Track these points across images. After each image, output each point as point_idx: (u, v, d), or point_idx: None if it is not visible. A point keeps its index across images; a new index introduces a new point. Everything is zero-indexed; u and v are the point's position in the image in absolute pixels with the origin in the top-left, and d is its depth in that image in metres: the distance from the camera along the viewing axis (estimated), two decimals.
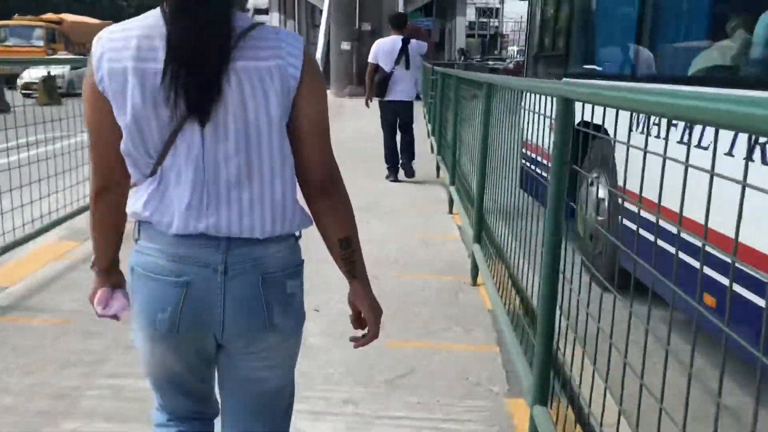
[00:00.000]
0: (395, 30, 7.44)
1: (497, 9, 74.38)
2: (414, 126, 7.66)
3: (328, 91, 22.12)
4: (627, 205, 2.28)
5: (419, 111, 9.34)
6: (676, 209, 1.30)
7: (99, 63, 1.25)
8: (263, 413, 1.48)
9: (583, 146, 2.36)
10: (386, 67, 7.27)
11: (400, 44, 7.26)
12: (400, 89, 7.35)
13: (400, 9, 31.15)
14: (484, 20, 78.13)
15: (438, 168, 7.84)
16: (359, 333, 1.52)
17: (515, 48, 55.99)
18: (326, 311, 3.49)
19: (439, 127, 7.92)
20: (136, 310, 1.37)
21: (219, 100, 1.23)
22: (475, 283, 3.97)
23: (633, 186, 1.57)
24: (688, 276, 1.55)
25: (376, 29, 21.80)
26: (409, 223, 5.56)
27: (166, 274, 1.31)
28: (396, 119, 7.46)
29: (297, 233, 1.42)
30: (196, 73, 1.20)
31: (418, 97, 8.05)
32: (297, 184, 1.37)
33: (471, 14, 66.76)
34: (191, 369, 1.43)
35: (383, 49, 7.33)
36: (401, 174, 7.54)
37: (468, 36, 40.72)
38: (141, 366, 1.48)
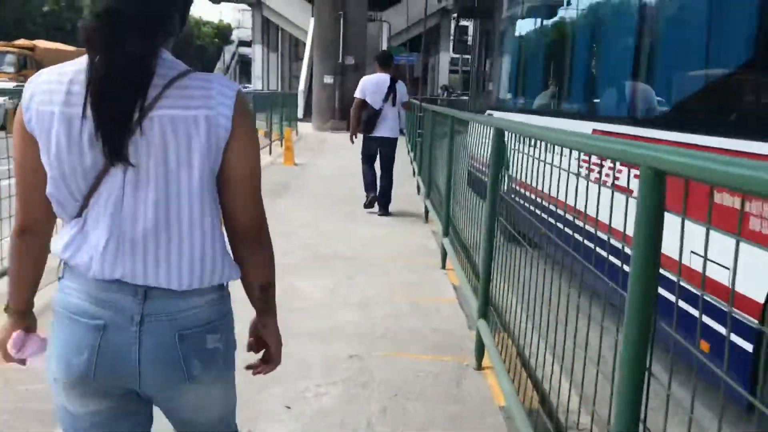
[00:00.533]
0: (382, 68, 7.55)
1: None
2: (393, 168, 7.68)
3: (309, 125, 21.84)
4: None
5: (401, 146, 9.24)
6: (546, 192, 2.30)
7: (29, 104, 1.26)
8: None
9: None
10: (375, 103, 7.33)
11: (388, 82, 7.39)
12: (387, 126, 7.43)
13: (384, 44, 31.06)
14: (467, 56, 79.06)
15: (426, 211, 7.24)
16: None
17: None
18: (301, 408, 2.82)
19: (428, 169, 7.32)
20: (53, 354, 1.35)
21: (139, 146, 1.22)
22: (479, 366, 3.31)
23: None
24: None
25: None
26: (398, 281, 4.91)
27: (85, 316, 1.30)
28: (377, 155, 7.55)
29: (224, 285, 1.40)
30: (114, 118, 1.20)
31: (401, 132, 8.33)
32: (223, 234, 1.37)
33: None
34: (114, 410, 1.38)
35: (371, 85, 7.40)
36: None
37: (451, 71, 40.63)
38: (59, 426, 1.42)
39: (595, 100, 4.95)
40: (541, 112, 5.77)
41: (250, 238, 1.38)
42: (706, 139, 3.01)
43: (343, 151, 12.73)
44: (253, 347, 1.54)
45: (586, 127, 4.41)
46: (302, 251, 5.65)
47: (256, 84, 37.95)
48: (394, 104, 7.39)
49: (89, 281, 1.30)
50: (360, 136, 7.57)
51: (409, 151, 14.31)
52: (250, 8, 38.98)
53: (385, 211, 7.46)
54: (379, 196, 7.46)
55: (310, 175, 10.80)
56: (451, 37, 14.15)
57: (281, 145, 13.49)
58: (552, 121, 4.92)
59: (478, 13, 8.83)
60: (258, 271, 1.43)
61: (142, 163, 1.23)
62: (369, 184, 7.53)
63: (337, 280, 4.86)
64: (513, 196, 3.09)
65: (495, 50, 7.66)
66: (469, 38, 10.35)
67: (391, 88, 7.36)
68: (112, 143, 1.20)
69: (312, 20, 22.69)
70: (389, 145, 7.48)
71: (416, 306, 4.32)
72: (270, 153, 13.49)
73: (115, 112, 1.20)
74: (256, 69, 39.09)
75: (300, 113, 25.18)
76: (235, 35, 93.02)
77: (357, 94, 7.41)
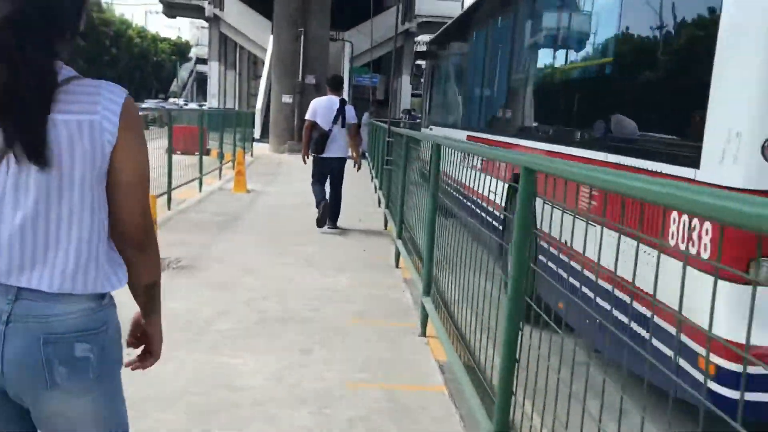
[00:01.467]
0: (332, 91, 7.85)
1: None
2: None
3: (266, 146, 20.57)
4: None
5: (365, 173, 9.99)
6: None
7: None
8: None
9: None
10: (325, 125, 7.55)
11: (337, 104, 7.65)
12: (337, 147, 7.67)
13: (346, 64, 30.16)
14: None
15: (397, 255, 6.13)
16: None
17: None
18: None
19: (400, 205, 6.23)
20: None
21: (32, 148, 1.25)
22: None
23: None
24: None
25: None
26: (366, 356, 3.80)
27: None
28: (328, 175, 7.78)
29: (106, 295, 1.39)
30: (28, 122, 1.24)
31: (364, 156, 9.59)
32: (109, 242, 1.38)
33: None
34: None
35: (321, 108, 7.64)
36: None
37: (413, 95, 39.99)
38: None
39: (468, 117, 8.45)
40: (447, 125, 9.39)
41: (137, 242, 1.40)
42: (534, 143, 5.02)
43: (300, 175, 11.67)
44: (132, 343, 1.55)
45: (463, 134, 7.77)
46: (244, 311, 4.48)
47: (212, 102, 36.48)
48: (343, 126, 7.67)
49: None
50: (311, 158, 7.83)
51: (373, 178, 13.24)
52: (207, 24, 37.66)
53: (333, 225, 7.71)
54: (330, 212, 7.67)
55: (263, 204, 9.62)
56: (411, 72, 19.56)
57: (234, 168, 12.29)
58: (451, 131, 8.59)
59: (428, 56, 12.73)
60: (143, 273, 1.45)
61: (24, 164, 1.26)
62: (319, 194, 7.77)
63: (288, 356, 3.71)
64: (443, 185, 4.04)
65: (429, 83, 12.20)
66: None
67: (341, 110, 7.62)
68: (30, 146, 1.24)
69: (271, 37, 21.53)
70: (339, 164, 7.78)
71: (393, 400, 3.20)
72: (219, 177, 12.26)
73: (27, 117, 1.24)
74: (212, 86, 37.59)
75: (257, 133, 23.97)
76: (194, 52, 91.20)
77: (308, 117, 7.68)
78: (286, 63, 19.92)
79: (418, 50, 14.89)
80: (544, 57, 5.43)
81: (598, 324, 1.75)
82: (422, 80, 14.94)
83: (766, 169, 2.53)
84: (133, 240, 1.39)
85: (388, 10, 29.90)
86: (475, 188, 3.27)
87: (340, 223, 7.88)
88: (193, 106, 51.51)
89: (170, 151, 8.34)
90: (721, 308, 1.51)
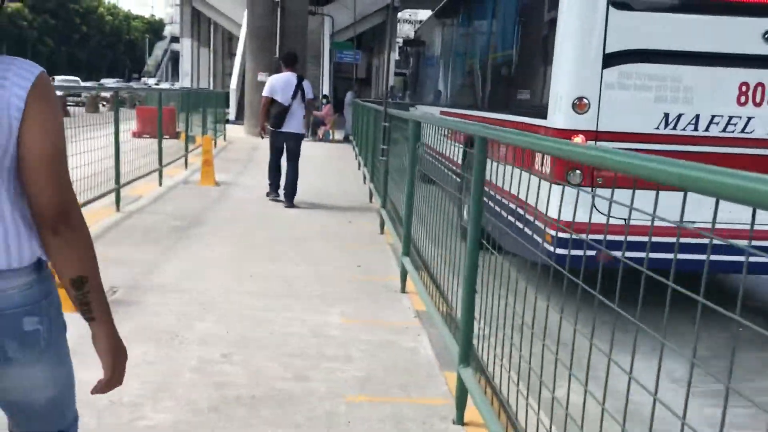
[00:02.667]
0: (288, 67, 7.94)
1: None
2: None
3: (241, 128, 18.80)
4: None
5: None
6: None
7: None
8: (36, 420, 1.46)
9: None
10: (284, 101, 7.71)
11: (295, 80, 7.80)
12: (294, 122, 7.81)
13: (326, 40, 28.42)
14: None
15: (404, 276, 4.71)
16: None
17: None
18: None
19: (407, 211, 4.78)
20: None
21: None
22: None
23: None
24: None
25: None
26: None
27: None
28: (284, 148, 7.90)
29: (42, 266, 1.36)
30: None
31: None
32: (29, 216, 1.33)
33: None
34: None
35: (279, 84, 7.78)
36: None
37: (396, 74, 38.33)
38: None
39: (441, 97, 10.23)
40: (427, 104, 11.33)
41: (56, 224, 1.30)
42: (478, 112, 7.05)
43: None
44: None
45: (436, 110, 9.74)
46: (193, 385, 3.01)
47: (184, 81, 34.50)
48: (303, 101, 7.81)
49: None
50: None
51: (360, 166, 11.80)
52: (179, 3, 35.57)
53: (290, 203, 7.75)
54: (286, 188, 7.82)
55: (233, 201, 8.12)
56: (396, 58, 19.38)
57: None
58: (431, 108, 10.43)
59: (414, 43, 14.61)
60: (63, 264, 1.34)
61: None
62: (273, 177, 8.07)
63: None
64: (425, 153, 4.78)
65: (415, 65, 14.37)
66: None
67: (299, 86, 7.75)
68: None
69: (245, 11, 19.74)
70: (295, 139, 7.88)
71: None
72: (186, 167, 10.70)
73: None
74: (185, 65, 35.49)
75: (231, 115, 22.28)
76: (168, 31, 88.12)
77: (265, 93, 7.85)
78: (261, 38, 18.24)
79: (405, 39, 16.17)
80: (471, 48, 8.20)
81: (505, 231, 2.76)
82: (409, 62, 15.71)
83: (575, 117, 4.49)
84: (45, 221, 1.30)
85: None
86: (444, 152, 4.01)
87: (323, 221, 6.64)
88: (165, 85, 49.25)
89: (117, 139, 6.79)
90: (553, 201, 2.11)
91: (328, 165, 12.71)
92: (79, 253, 1.33)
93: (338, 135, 19.60)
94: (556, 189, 2.62)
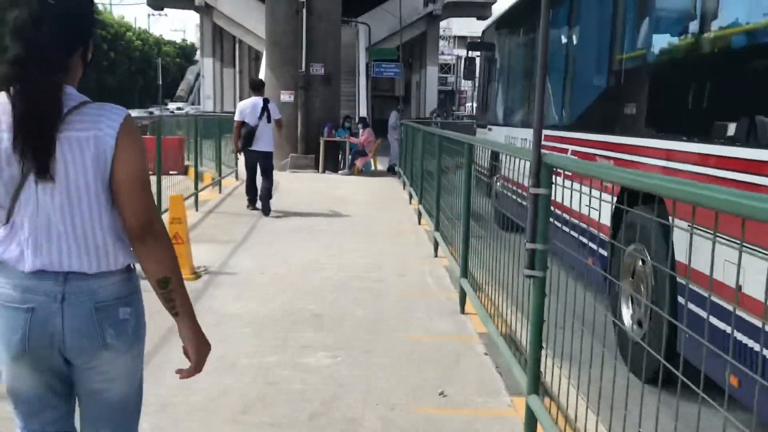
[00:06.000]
0: (255, 92, 9.05)
1: (453, 65, 71.39)
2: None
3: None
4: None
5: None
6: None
7: None
8: (110, 419, 1.74)
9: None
10: (251, 122, 8.72)
11: (261, 103, 8.81)
12: (263, 141, 8.81)
13: (362, 52, 24.96)
14: (443, 76, 74.27)
15: None
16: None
17: (473, 104, 57.80)
18: None
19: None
20: None
21: (49, 163, 1.55)
22: None
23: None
24: None
25: (332, 74, 15.16)
26: None
27: (16, 303, 1.60)
28: (256, 166, 8.91)
29: (131, 267, 1.71)
30: (33, 140, 1.53)
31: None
32: (117, 227, 1.66)
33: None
34: (49, 387, 1.69)
35: (247, 108, 8.82)
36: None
37: (440, 91, 34.54)
38: (6, 391, 1.68)
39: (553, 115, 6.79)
40: (512, 124, 8.49)
41: (143, 234, 1.64)
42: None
43: (316, 220, 8.40)
44: (186, 353, 1.73)
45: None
46: None
47: (206, 105, 31.43)
48: (269, 121, 8.82)
49: (18, 273, 1.60)
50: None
51: (420, 216, 8.15)
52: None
53: (267, 211, 8.68)
54: (262, 198, 8.81)
55: (215, 328, 4.44)
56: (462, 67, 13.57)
57: (217, 189, 7.17)
58: (518, 131, 7.96)
59: (483, 46, 10.94)
60: (153, 266, 1.66)
61: (49, 176, 1.56)
62: (251, 193, 9.06)
63: None
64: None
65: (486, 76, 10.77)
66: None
67: (264, 108, 8.78)
68: (40, 162, 1.54)
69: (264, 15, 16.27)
70: (266, 157, 8.90)
71: None
72: (196, 208, 7.10)
73: (35, 135, 1.53)
74: (206, 87, 32.42)
75: None
76: (199, 55, 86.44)
77: (236, 118, 8.88)
78: (282, 47, 14.70)
79: (471, 41, 11.61)
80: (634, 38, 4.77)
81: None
82: (476, 74, 11.73)
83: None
84: (135, 231, 1.64)
85: None
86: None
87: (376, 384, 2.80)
88: (190, 110, 46.29)
89: None
90: None
91: (375, 216, 9.02)
92: (163, 258, 1.67)
93: (380, 164, 15.94)
94: None
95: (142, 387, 1.79)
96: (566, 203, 2.49)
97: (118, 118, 1.59)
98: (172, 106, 47.82)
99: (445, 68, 74.77)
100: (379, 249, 6.75)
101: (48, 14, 1.54)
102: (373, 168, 15.40)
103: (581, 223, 3.00)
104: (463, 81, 75.61)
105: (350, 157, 14.61)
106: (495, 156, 5.50)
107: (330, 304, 4.78)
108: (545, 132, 6.94)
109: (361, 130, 15.02)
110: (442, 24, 43.66)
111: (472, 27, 66.50)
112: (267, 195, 8.71)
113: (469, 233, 4.63)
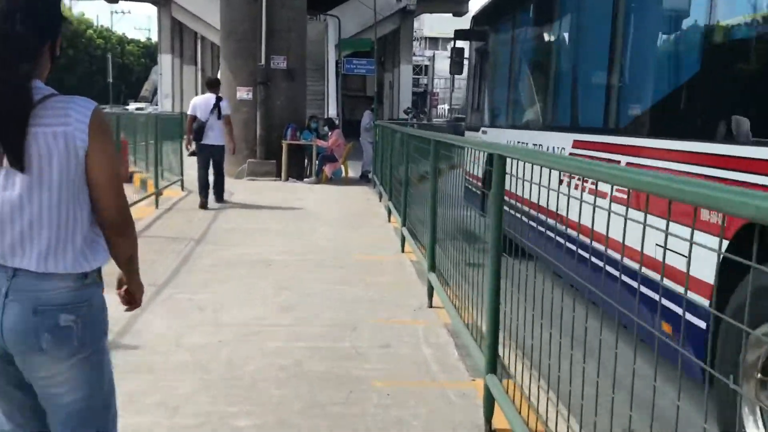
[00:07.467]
0: (210, 89, 9.33)
1: (426, 66, 70.25)
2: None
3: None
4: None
5: None
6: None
7: None
8: (77, 423, 1.69)
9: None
10: (203, 117, 8.98)
11: (214, 100, 9.10)
12: (213, 135, 9.05)
13: (331, 47, 23.14)
14: (415, 77, 72.83)
15: None
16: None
17: (446, 106, 57.23)
18: None
19: None
20: None
21: (22, 156, 1.53)
22: None
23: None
24: None
25: (296, 68, 13.32)
26: None
27: None
28: (210, 160, 9.11)
29: (89, 274, 1.65)
30: (3, 133, 1.53)
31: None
32: (89, 229, 1.65)
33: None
34: (7, 377, 1.66)
35: (200, 104, 9.18)
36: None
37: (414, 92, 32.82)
38: None
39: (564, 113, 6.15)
40: (518, 126, 6.97)
41: (115, 227, 1.69)
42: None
43: (270, 248, 6.44)
44: (120, 295, 1.88)
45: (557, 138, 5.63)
46: None
47: (164, 104, 29.25)
48: (219, 117, 9.03)
49: None
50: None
51: (401, 225, 6.41)
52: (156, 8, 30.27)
53: (220, 199, 9.27)
54: (214, 190, 9.21)
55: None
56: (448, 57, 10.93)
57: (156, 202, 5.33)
58: (525, 133, 6.53)
59: (478, 34, 9.08)
60: (122, 250, 1.77)
61: (11, 169, 1.55)
62: (203, 187, 9.01)
63: None
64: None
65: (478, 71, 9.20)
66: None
67: (216, 105, 9.04)
68: (11, 155, 1.53)
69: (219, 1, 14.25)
70: (217, 151, 9.17)
71: None
72: None
73: (6, 132, 1.53)
74: (165, 85, 30.28)
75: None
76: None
77: (189, 112, 9.25)
78: (239, 38, 12.80)
79: (458, 31, 9.50)
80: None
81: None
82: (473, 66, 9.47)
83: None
84: (111, 226, 1.69)
85: None
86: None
87: None
88: (150, 110, 43.54)
89: None
90: None
91: (347, 240, 7.22)
92: (132, 242, 1.77)
93: (352, 171, 14.15)
94: None
95: (113, 390, 1.78)
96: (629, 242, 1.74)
97: (87, 112, 1.60)
98: (132, 106, 45.05)
99: (416, 69, 73.32)
100: (353, 295, 4.97)
101: (18, 7, 1.57)
102: (343, 175, 13.61)
103: (650, 272, 2.00)
104: (435, 82, 74.28)
105: (317, 162, 12.79)
106: (490, 161, 3.97)
107: (273, 411, 3.01)
108: (576, 137, 5.27)
109: (329, 134, 13.20)
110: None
111: (443, 27, 65.00)
112: (219, 187, 9.24)
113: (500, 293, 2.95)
